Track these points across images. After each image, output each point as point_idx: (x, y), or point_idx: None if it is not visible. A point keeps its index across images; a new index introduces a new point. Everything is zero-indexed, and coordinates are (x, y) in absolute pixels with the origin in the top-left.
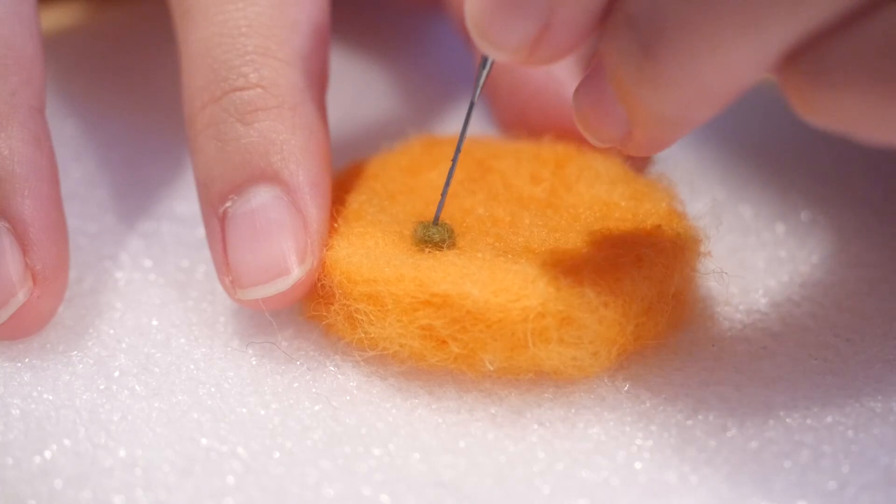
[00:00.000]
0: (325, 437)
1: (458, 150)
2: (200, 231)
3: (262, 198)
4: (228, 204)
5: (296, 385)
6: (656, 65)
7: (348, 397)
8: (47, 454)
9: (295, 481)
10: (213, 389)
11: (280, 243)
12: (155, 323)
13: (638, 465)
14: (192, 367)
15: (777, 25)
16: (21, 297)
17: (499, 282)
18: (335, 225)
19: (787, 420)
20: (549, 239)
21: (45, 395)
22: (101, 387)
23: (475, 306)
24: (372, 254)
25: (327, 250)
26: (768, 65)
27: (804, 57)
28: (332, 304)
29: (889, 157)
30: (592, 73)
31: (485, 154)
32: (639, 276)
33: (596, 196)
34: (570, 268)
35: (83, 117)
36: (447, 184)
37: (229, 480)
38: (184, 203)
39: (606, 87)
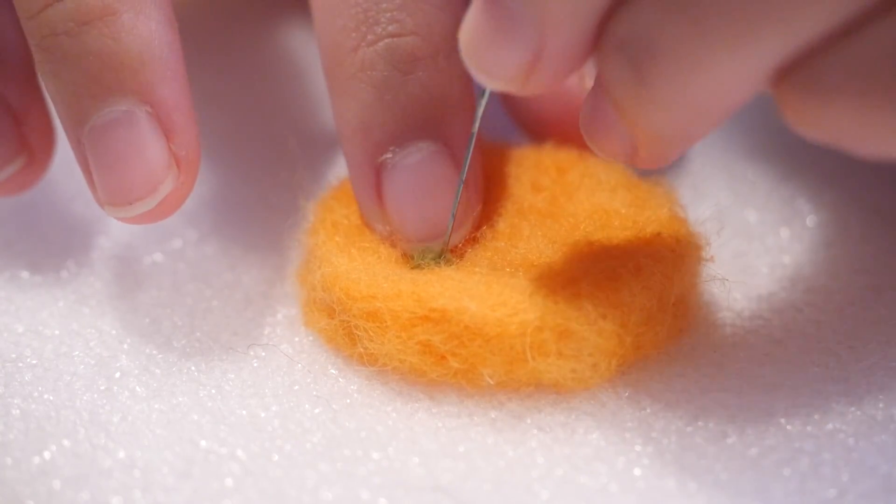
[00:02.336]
0: (325, 441)
1: (461, 182)
2: (202, 230)
3: (425, 152)
4: (388, 155)
5: (296, 388)
6: (650, 87)
7: (348, 401)
8: (46, 455)
9: (293, 484)
10: (213, 391)
11: (445, 201)
12: (157, 323)
13: (637, 472)
14: (192, 368)
15: (765, 42)
16: (168, 183)
17: (496, 296)
18: (337, 240)
19: (788, 427)
20: (548, 251)
21: (45, 396)
22: (102, 387)
23: (473, 321)
24: (371, 269)
25: (326, 266)
26: (760, 81)
27: (795, 72)
28: (333, 317)
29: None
30: (595, 91)
31: (487, 162)
32: (637, 287)
33: (597, 204)
34: (568, 280)
35: None
36: (453, 215)
37: (228, 483)
38: (190, 204)
39: (607, 104)
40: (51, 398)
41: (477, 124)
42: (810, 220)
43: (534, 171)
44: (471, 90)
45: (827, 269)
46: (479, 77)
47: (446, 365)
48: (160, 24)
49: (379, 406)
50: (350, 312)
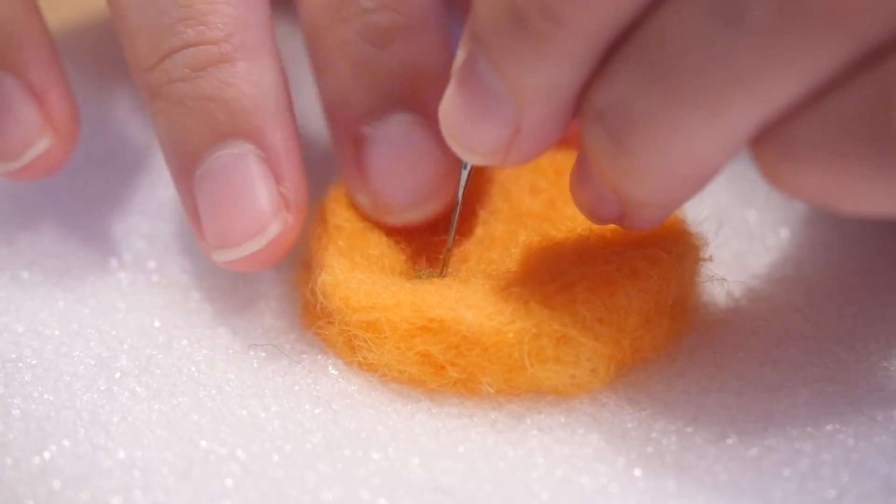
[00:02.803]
0: (325, 441)
1: (451, 234)
2: None
3: (404, 124)
4: (367, 128)
5: (297, 388)
6: (629, 155)
7: (349, 401)
8: (46, 455)
9: (294, 485)
10: (213, 391)
11: (425, 171)
12: (157, 324)
13: (637, 472)
14: (193, 369)
15: (738, 110)
16: (276, 225)
17: (493, 305)
18: (340, 244)
19: (788, 428)
20: (544, 257)
21: (45, 396)
22: (102, 388)
23: (470, 331)
24: (371, 279)
25: (327, 272)
26: (737, 146)
27: (770, 135)
28: (333, 324)
29: None
30: (582, 160)
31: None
32: (634, 290)
33: None
34: (564, 286)
35: (88, 118)
36: (449, 245)
37: (228, 483)
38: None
39: (594, 174)
40: (51, 398)
41: (461, 194)
42: (810, 221)
43: (532, 173)
44: (450, 63)
45: (827, 269)
46: (460, 153)
47: (446, 375)
48: (273, 73)
49: (379, 407)
50: (349, 322)
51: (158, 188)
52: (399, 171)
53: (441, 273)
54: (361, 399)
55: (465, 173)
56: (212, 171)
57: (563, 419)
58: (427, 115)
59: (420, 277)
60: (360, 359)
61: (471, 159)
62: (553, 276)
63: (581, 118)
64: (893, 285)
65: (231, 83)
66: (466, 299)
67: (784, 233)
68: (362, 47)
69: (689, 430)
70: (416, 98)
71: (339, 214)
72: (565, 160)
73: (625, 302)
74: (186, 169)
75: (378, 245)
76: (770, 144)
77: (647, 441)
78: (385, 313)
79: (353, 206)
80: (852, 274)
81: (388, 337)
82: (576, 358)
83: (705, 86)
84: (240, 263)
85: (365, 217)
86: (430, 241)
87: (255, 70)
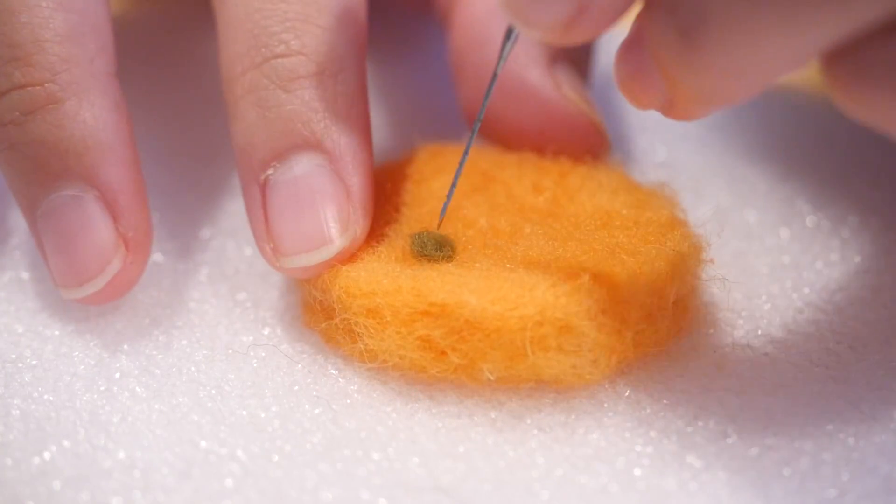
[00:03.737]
0: (325, 441)
1: (474, 132)
2: (203, 231)
3: (305, 166)
4: (270, 171)
5: (296, 388)
6: (695, 52)
7: (349, 401)
8: (46, 455)
9: (294, 485)
10: (213, 392)
11: (323, 212)
12: (157, 324)
13: (637, 472)
14: (192, 369)
15: (821, 23)
16: (116, 264)
17: (496, 290)
18: None
19: (788, 427)
20: (549, 248)
21: (45, 396)
22: (102, 388)
23: (473, 315)
24: (370, 267)
25: (328, 267)
26: (809, 57)
27: (847, 55)
28: (333, 318)
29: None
30: (632, 41)
31: (489, 164)
32: (638, 284)
33: (598, 205)
34: (568, 276)
35: None
36: (454, 185)
37: (228, 483)
38: (185, 203)
39: (646, 59)
40: (51, 398)
41: (500, 65)
42: (810, 221)
43: (535, 173)
44: (360, 108)
45: (826, 269)
46: (518, 24)
47: (446, 361)
48: (104, 110)
49: (379, 406)
50: (350, 310)
51: (152, 189)
52: (295, 213)
53: (438, 225)
54: (361, 399)
55: (508, 44)
56: (49, 213)
57: (563, 419)
58: (332, 156)
59: (422, 245)
60: (361, 346)
61: (528, 33)
62: (558, 267)
63: (650, 6)
64: (893, 285)
65: (59, 125)
66: (469, 284)
67: (784, 233)
68: (271, 92)
69: (689, 429)
70: (320, 139)
71: None
72: (568, 162)
73: (629, 295)
74: (29, 212)
75: (382, 237)
76: (845, 63)
77: (647, 441)
78: (386, 298)
79: None
80: (852, 274)
81: (389, 322)
82: (578, 348)
83: None
84: (86, 300)
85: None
86: (432, 229)
87: (84, 108)
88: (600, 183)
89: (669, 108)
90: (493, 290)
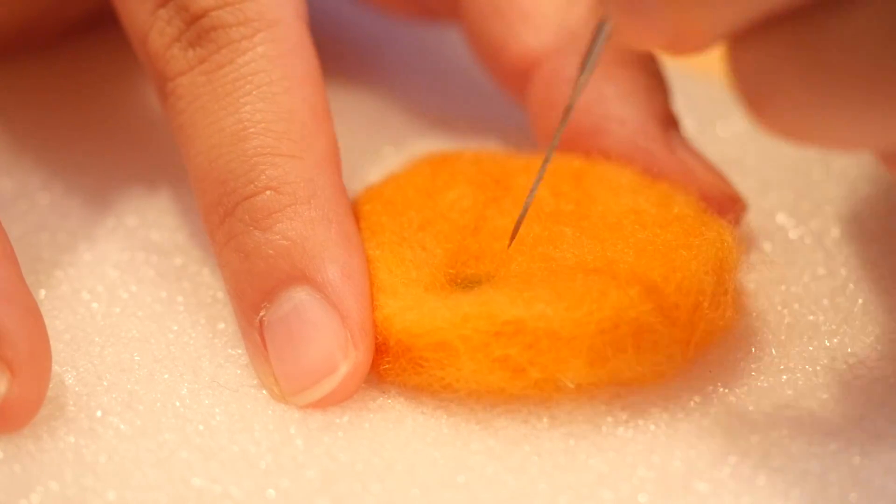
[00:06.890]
0: (321, 475)
1: (551, 150)
2: (177, 260)
3: (294, 300)
4: (263, 313)
5: (285, 420)
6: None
7: (340, 433)
8: (34, 498)
9: None
10: (201, 427)
11: (320, 343)
12: (137, 358)
13: (642, 498)
14: (177, 403)
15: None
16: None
17: (568, 298)
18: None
19: (792, 448)
20: (599, 249)
21: (26, 437)
22: (85, 426)
23: (550, 326)
24: (420, 298)
25: (375, 310)
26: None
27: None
28: (391, 356)
29: None
30: None
31: (500, 172)
32: (700, 272)
33: (624, 204)
34: (632, 276)
35: (48, 144)
36: (527, 204)
37: None
38: (158, 232)
39: None
40: (31, 441)
41: (592, 62)
42: (810, 221)
43: (550, 177)
44: (339, 227)
45: (824, 283)
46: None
47: (525, 377)
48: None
49: (372, 437)
50: (416, 349)
51: (125, 217)
52: (292, 350)
53: (508, 244)
54: (353, 431)
55: (600, 40)
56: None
57: (562, 445)
58: (319, 286)
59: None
60: (430, 377)
61: (633, 27)
62: (618, 267)
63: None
64: (884, 298)
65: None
66: (538, 296)
67: (784, 233)
68: (249, 234)
69: (692, 452)
70: (305, 271)
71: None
72: (581, 164)
73: (696, 286)
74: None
75: (414, 261)
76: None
77: (650, 466)
78: (455, 330)
79: (373, 228)
80: (853, 290)
81: (461, 351)
82: (654, 345)
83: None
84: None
85: (390, 241)
86: (463, 245)
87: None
88: (619, 183)
89: (671, 45)
90: (564, 298)
